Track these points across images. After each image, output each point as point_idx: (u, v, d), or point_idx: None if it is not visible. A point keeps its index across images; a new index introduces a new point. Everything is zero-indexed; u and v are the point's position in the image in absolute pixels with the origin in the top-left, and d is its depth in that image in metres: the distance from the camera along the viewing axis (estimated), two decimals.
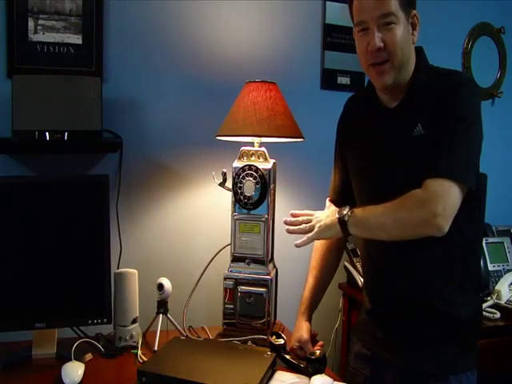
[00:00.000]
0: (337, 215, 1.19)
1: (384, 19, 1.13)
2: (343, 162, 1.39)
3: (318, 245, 1.44)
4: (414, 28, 1.19)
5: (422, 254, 1.20)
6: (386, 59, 1.15)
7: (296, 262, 1.46)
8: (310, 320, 1.41)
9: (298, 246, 1.25)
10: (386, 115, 1.24)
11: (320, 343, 1.37)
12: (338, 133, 1.42)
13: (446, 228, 1.08)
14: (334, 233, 1.21)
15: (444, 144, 1.11)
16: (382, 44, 1.14)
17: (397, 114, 1.22)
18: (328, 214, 1.27)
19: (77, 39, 1.65)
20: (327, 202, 1.38)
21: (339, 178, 1.41)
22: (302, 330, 1.37)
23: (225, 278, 1.49)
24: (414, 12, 1.18)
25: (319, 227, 1.22)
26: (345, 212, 1.18)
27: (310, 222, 1.27)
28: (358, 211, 1.17)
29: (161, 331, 1.45)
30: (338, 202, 1.35)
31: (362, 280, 1.45)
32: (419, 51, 1.24)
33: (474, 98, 1.18)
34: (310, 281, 1.43)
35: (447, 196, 1.07)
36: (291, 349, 1.37)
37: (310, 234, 1.22)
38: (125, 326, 1.43)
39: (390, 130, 1.23)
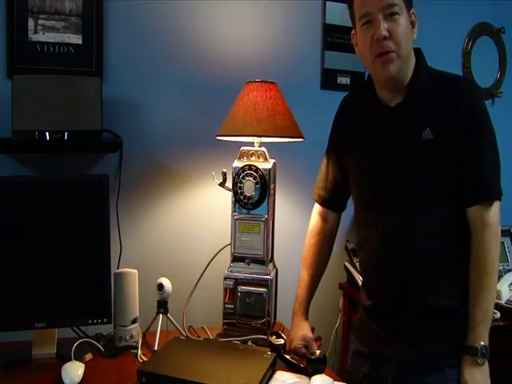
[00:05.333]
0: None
1: (389, 9, 1.16)
2: (337, 159, 1.40)
3: (312, 241, 1.45)
4: (413, 26, 1.22)
5: (422, 248, 1.20)
6: (393, 50, 1.17)
7: (296, 262, 1.46)
8: (307, 317, 1.42)
9: None
10: (387, 114, 1.25)
11: (319, 338, 1.40)
12: (334, 131, 1.43)
13: None
14: None
15: (480, 164, 1.19)
16: (387, 33, 1.15)
17: (399, 113, 1.23)
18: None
19: (77, 39, 1.65)
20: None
21: (332, 174, 1.42)
22: (306, 329, 1.38)
23: (225, 278, 1.49)
24: (413, 10, 1.22)
25: None
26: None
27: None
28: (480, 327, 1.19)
29: (161, 331, 1.45)
30: (328, 200, 1.42)
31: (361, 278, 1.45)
32: (418, 53, 1.26)
33: (485, 107, 1.23)
34: (306, 279, 1.43)
35: (498, 216, 1.20)
36: (295, 348, 1.36)
37: None
38: (125, 326, 1.43)
39: (393, 130, 1.24)
